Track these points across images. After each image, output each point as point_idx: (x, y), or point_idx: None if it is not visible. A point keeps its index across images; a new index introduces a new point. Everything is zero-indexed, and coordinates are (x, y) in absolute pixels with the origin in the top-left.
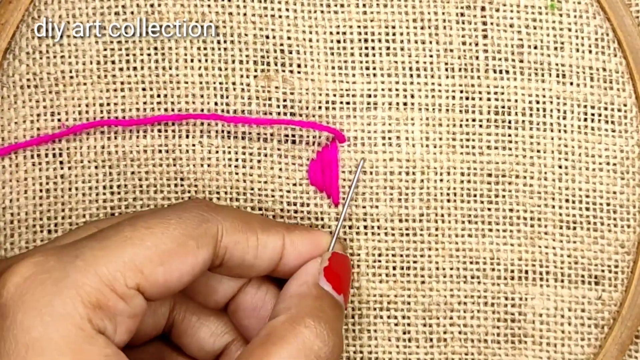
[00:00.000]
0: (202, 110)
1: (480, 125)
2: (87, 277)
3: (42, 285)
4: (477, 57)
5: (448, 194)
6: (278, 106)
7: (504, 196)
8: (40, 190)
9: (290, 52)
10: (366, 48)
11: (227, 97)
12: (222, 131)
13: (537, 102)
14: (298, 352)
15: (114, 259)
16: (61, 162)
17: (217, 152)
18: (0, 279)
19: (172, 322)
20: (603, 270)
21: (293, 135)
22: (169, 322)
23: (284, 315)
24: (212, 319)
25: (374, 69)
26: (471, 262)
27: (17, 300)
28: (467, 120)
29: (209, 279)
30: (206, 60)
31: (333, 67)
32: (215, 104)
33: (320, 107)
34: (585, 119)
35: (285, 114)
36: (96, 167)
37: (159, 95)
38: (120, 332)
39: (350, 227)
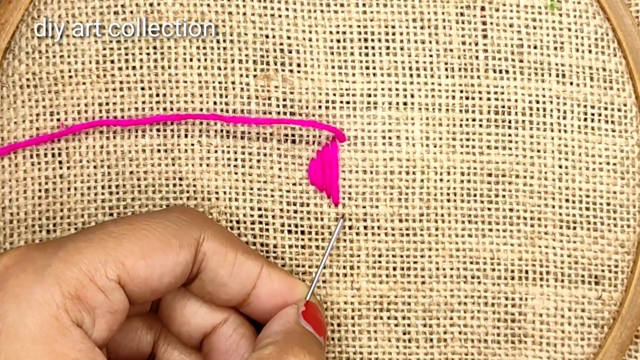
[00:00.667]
0: (201, 109)
1: (480, 125)
2: (68, 267)
3: (23, 272)
4: (477, 57)
5: (448, 194)
6: (278, 105)
7: (504, 196)
8: (39, 190)
9: (290, 52)
10: (366, 47)
11: (226, 97)
12: (221, 130)
13: (537, 102)
14: None
15: (96, 250)
16: (60, 162)
17: (216, 151)
18: None
19: (155, 353)
20: (603, 270)
21: (293, 135)
22: (153, 353)
23: (271, 346)
24: (193, 357)
25: (374, 68)
26: (471, 262)
27: None
28: (467, 119)
29: (185, 307)
30: (205, 60)
31: (333, 67)
32: (215, 103)
33: (320, 107)
34: (585, 119)
35: (284, 113)
36: (95, 167)
37: (157, 95)
38: (100, 328)
39: (350, 228)
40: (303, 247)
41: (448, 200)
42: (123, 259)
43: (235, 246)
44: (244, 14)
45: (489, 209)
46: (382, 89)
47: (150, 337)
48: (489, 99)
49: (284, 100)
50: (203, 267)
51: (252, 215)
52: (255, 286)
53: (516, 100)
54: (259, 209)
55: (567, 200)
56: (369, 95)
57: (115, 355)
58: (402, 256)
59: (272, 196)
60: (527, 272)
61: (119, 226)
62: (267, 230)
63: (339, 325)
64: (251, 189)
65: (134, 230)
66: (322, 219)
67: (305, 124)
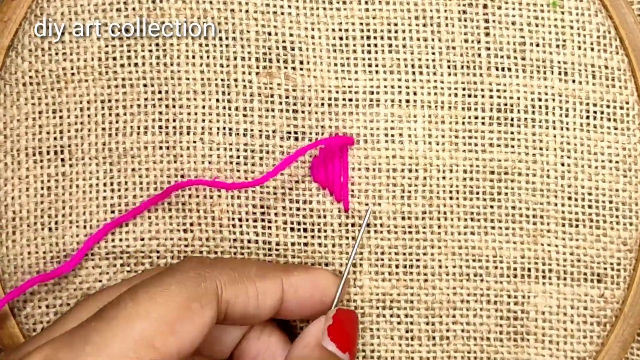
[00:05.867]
0: (204, 107)
1: (483, 123)
2: None
3: None
4: (479, 55)
5: (451, 192)
6: (280, 103)
7: (506, 194)
8: (42, 188)
9: (293, 49)
10: (368, 45)
11: (228, 94)
12: (224, 128)
13: (540, 100)
14: None
15: (124, 338)
16: (62, 160)
17: (218, 149)
18: None
19: None
20: (605, 268)
21: (295, 132)
22: None
23: None
24: None
25: (377, 66)
26: (474, 260)
27: None
28: (469, 117)
29: (214, 330)
30: (208, 57)
31: (335, 64)
32: (217, 100)
33: (322, 104)
34: (588, 117)
35: (287, 110)
36: (97, 165)
37: (160, 92)
38: None
39: (352, 225)
40: (305, 244)
41: (451, 198)
42: (152, 340)
43: (250, 277)
44: (247, 11)
45: (492, 207)
46: (385, 87)
47: None
48: (491, 97)
49: (287, 97)
50: (230, 312)
51: (254, 213)
52: (283, 301)
53: (518, 98)
54: (262, 207)
55: (569, 198)
56: (372, 93)
57: None
58: (404, 254)
59: (275, 194)
60: (529, 269)
61: (138, 304)
62: (270, 227)
63: None
64: (253, 186)
65: (155, 306)
66: (324, 216)
67: (317, 144)
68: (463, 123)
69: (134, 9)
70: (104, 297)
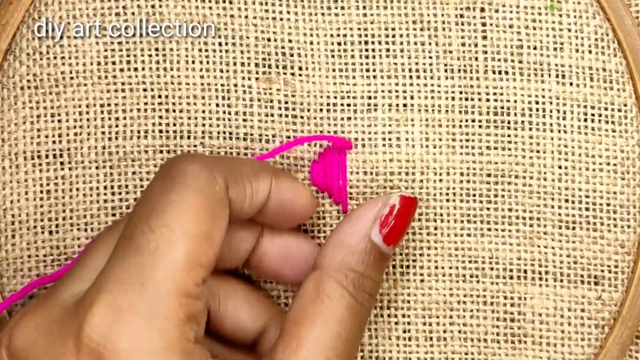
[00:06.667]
0: (203, 111)
1: (480, 126)
2: (166, 298)
3: (131, 322)
4: (476, 58)
5: (447, 194)
6: (279, 108)
7: (503, 196)
8: (41, 192)
9: (292, 55)
10: (366, 50)
11: (228, 99)
12: (224, 132)
13: (537, 103)
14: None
15: (174, 269)
16: (62, 163)
17: (218, 152)
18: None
19: (209, 312)
20: (603, 271)
21: (295, 137)
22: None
23: (311, 284)
24: (251, 299)
25: (374, 70)
26: (470, 262)
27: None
28: (466, 121)
29: (228, 239)
30: (207, 62)
31: (334, 70)
32: (217, 105)
33: (321, 109)
34: (585, 119)
35: (286, 115)
36: (97, 168)
37: (160, 96)
38: (201, 328)
39: None
40: None
41: (447, 200)
42: (197, 259)
43: (247, 176)
44: (246, 17)
45: (488, 209)
46: (382, 91)
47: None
48: (488, 100)
49: (286, 102)
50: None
51: None
52: (267, 200)
53: (516, 101)
54: None
55: (566, 201)
56: (369, 98)
57: None
58: (401, 254)
59: None
60: (525, 271)
61: (167, 225)
62: None
63: None
64: None
65: (183, 222)
66: (324, 218)
67: (313, 139)
68: (460, 126)
69: (132, 13)
70: (108, 239)
